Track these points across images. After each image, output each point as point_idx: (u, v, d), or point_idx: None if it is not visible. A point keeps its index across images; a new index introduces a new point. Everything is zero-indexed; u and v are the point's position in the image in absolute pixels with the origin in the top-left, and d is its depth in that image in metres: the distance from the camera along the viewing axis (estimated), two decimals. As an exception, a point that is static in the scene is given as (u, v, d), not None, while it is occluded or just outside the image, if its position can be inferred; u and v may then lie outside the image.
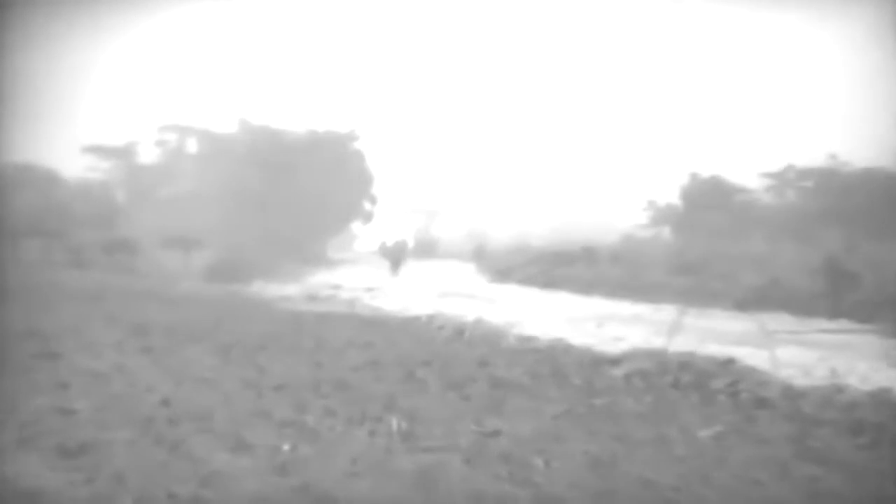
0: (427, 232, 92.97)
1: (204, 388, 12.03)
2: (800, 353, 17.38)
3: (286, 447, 8.97)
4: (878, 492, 8.45)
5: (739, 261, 38.76)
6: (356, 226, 73.75)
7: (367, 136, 66.09)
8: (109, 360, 13.81)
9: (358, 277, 43.70)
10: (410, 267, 53.64)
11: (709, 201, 54.70)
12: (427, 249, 75.68)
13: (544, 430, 10.15)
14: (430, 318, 23.18)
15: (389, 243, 57.83)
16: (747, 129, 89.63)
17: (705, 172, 56.80)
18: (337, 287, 35.79)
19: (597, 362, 15.38)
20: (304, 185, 59.33)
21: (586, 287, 36.01)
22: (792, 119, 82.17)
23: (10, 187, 46.80)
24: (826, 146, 48.27)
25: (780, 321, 24.18)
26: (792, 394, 12.68)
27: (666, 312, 26.01)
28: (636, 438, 9.93)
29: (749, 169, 55.71)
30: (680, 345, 17.22)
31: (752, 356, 15.83)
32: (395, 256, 52.69)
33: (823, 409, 11.79)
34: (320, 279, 41.55)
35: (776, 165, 54.60)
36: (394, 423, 10.16)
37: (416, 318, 23.17)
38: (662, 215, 59.08)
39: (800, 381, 13.75)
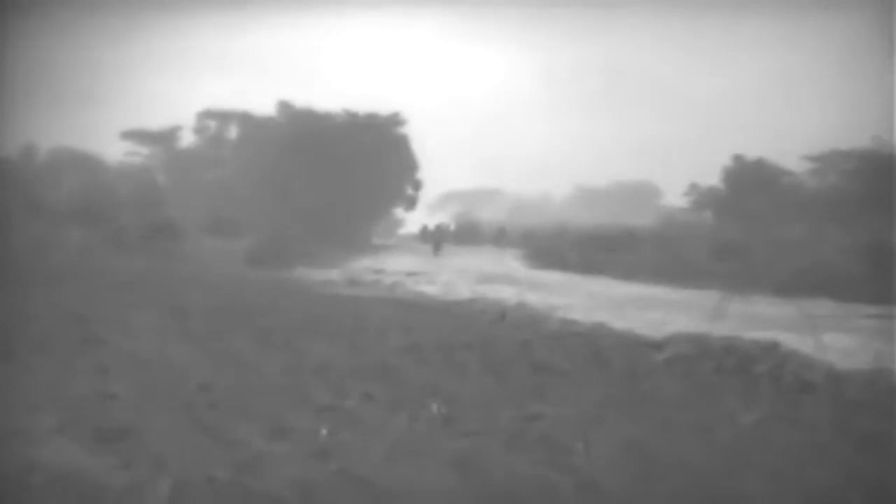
0: (470, 216, 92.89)
1: (244, 373, 12.06)
2: (843, 338, 17.16)
3: (325, 432, 8.94)
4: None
5: (782, 245, 38.40)
6: (399, 211, 73.71)
7: (412, 119, 65.56)
8: (150, 345, 13.87)
9: (400, 262, 43.82)
10: (452, 251, 53.66)
11: (752, 185, 54.10)
12: (470, 233, 75.32)
13: (585, 414, 10.05)
14: (472, 302, 23.20)
15: (431, 228, 58.13)
16: (790, 112, 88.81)
17: (749, 155, 56.14)
18: (379, 272, 35.99)
19: (638, 346, 15.30)
20: (347, 170, 59.27)
21: (627, 271, 35.78)
22: (835, 101, 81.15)
23: (53, 171, 47.24)
24: (870, 128, 47.28)
25: (822, 306, 23.93)
26: (836, 377, 12.55)
27: (708, 297, 25.80)
28: (678, 423, 9.82)
29: (792, 152, 54.99)
30: (723, 329, 17.04)
31: (796, 341, 15.61)
32: (435, 239, 53.19)
33: (868, 392, 11.66)
34: (363, 264, 41.67)
35: (819, 148, 53.86)
36: (434, 407, 10.12)
37: (458, 303, 23.20)
38: (705, 199, 58.52)
39: (844, 365, 13.57)
